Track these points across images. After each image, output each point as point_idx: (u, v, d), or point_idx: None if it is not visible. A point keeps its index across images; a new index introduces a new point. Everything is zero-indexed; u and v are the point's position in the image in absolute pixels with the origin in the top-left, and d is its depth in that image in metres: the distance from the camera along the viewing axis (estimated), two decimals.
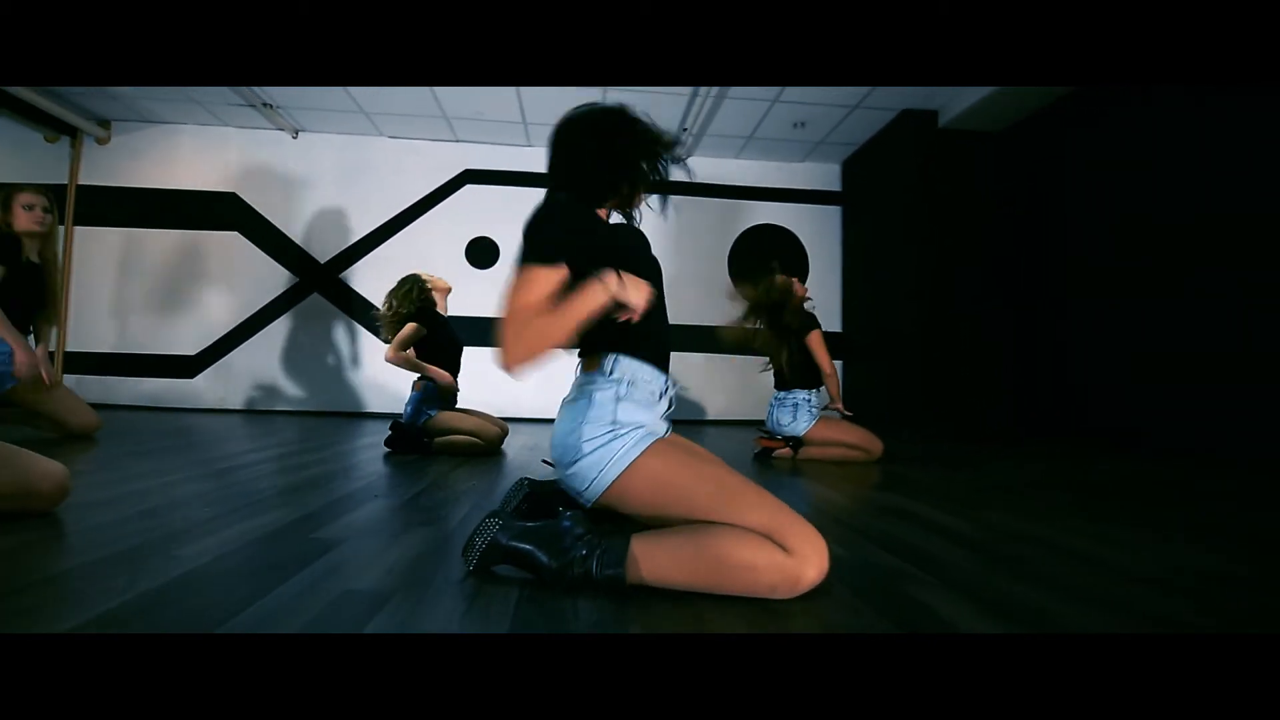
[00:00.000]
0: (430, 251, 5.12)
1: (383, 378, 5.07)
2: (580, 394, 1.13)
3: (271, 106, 4.68)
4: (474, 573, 1.05)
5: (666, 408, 1.20)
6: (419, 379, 2.84)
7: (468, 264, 5.24)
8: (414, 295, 2.87)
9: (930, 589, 1.05)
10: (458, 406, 2.93)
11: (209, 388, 5.01)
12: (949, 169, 4.50)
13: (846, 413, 2.92)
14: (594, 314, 1.04)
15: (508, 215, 5.19)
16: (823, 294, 5.28)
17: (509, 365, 1.00)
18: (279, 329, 5.09)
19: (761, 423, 2.98)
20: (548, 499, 1.22)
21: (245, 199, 5.11)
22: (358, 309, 5.15)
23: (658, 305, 1.19)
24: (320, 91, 4.48)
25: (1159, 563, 1.25)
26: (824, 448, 2.79)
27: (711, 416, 5.36)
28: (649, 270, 1.19)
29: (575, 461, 1.09)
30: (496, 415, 3.03)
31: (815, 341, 2.82)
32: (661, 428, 1.17)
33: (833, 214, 5.61)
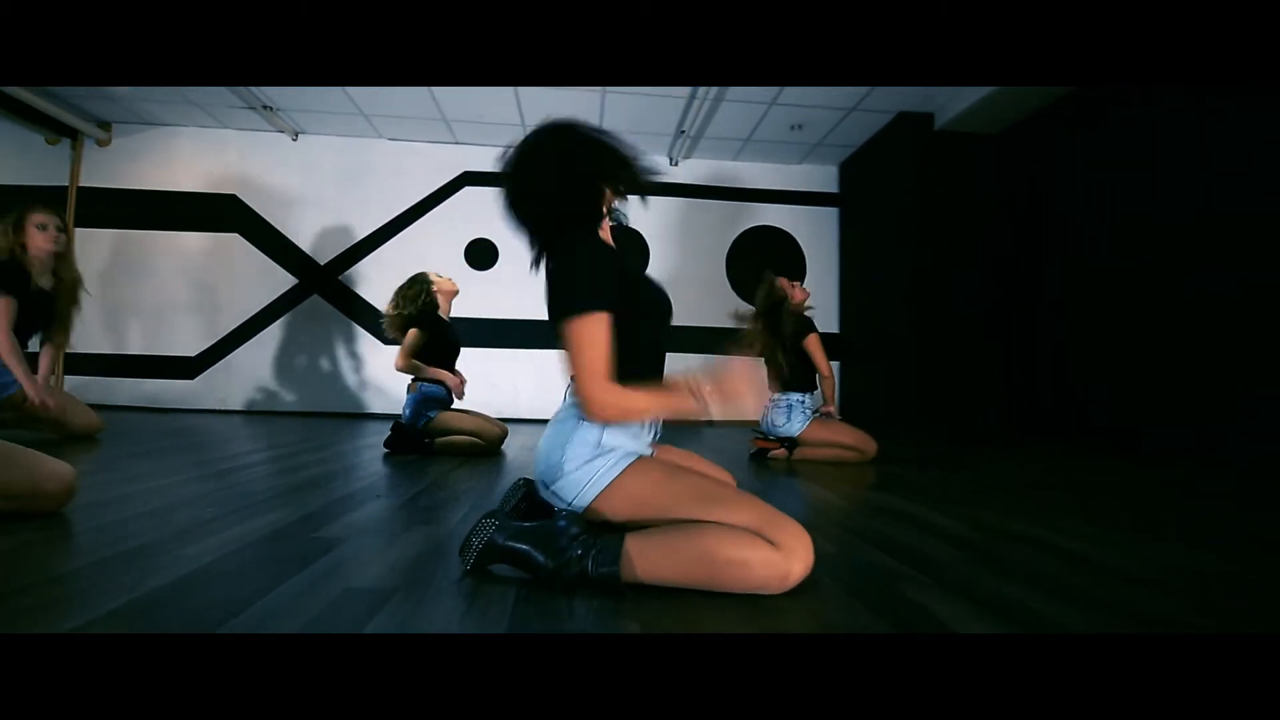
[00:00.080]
0: (430, 253, 5.14)
1: (382, 379, 5.09)
2: (568, 415, 1.15)
3: (271, 109, 4.69)
4: (471, 572, 1.07)
5: (652, 436, 1.21)
6: (414, 380, 2.86)
7: (467, 265, 5.26)
8: (418, 298, 2.88)
9: (924, 589, 1.06)
10: (456, 407, 2.95)
11: (209, 389, 5.03)
12: (946, 171, 4.52)
13: (835, 415, 2.97)
14: (679, 415, 1.09)
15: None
16: (820, 295, 5.29)
17: (596, 418, 1.06)
18: (279, 330, 5.11)
19: (757, 424, 3.01)
20: (545, 499, 1.24)
21: (245, 201, 5.13)
22: (358, 310, 5.17)
23: (657, 338, 1.21)
24: (319, 94, 4.50)
25: (1156, 563, 1.25)
26: (819, 448, 2.81)
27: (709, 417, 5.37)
28: (665, 307, 1.24)
29: (555, 480, 1.12)
30: (495, 416, 3.05)
31: (813, 344, 2.85)
32: (645, 449, 1.19)
33: (830, 215, 5.64)
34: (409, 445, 2.74)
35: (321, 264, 5.17)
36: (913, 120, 4.53)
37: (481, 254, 5.30)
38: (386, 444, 2.77)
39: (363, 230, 5.22)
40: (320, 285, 5.16)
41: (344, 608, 0.91)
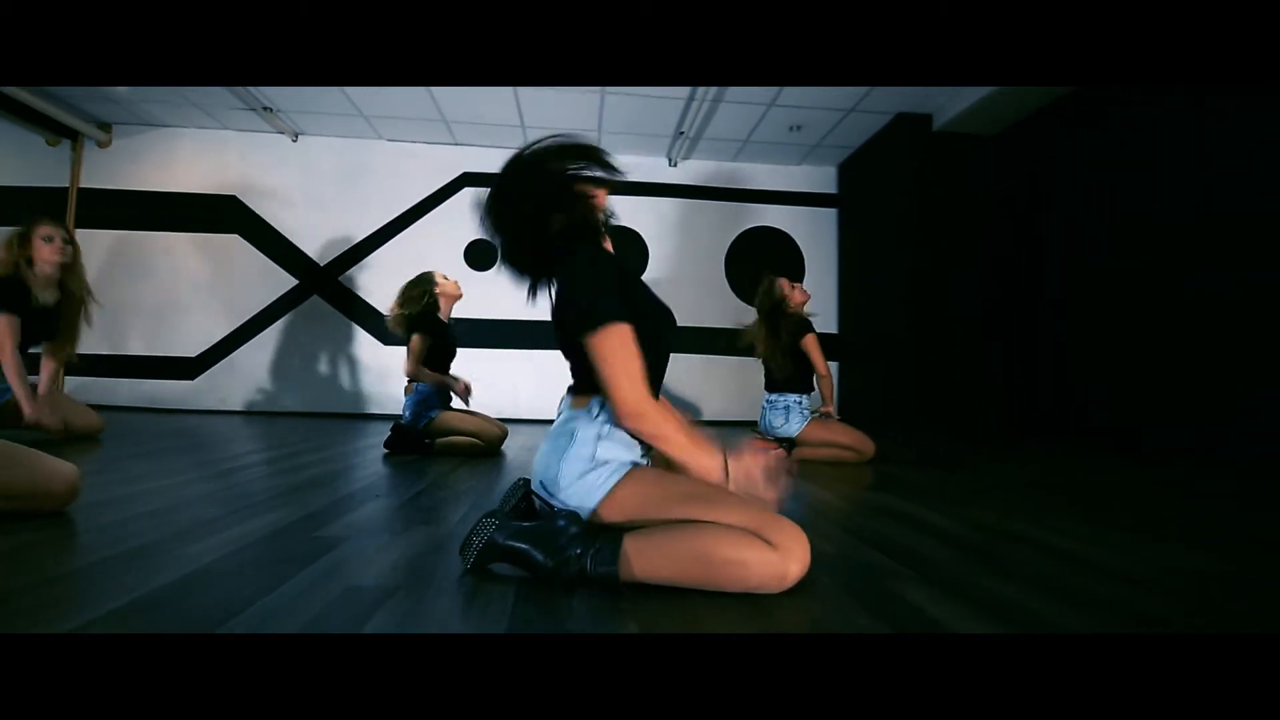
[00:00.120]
0: (429, 254, 5.15)
1: (382, 379, 5.10)
2: (563, 430, 1.16)
3: (271, 110, 4.70)
4: (471, 571, 1.08)
5: (645, 450, 1.21)
6: (410, 381, 2.88)
7: (467, 266, 5.27)
8: (421, 298, 2.90)
9: (922, 588, 1.07)
10: (457, 407, 2.96)
11: (209, 389, 5.04)
12: (944, 172, 4.53)
13: (833, 415, 2.97)
14: (694, 465, 1.09)
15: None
16: (819, 296, 5.31)
17: (630, 423, 1.07)
18: (279, 331, 5.12)
19: (756, 424, 3.02)
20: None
21: (245, 202, 5.14)
22: (357, 311, 5.18)
23: (661, 350, 1.21)
24: (319, 95, 4.51)
25: (1155, 563, 1.25)
26: (817, 449, 2.82)
27: (707, 417, 5.39)
28: (670, 320, 1.25)
29: (554, 495, 1.13)
30: (495, 416, 3.06)
31: (811, 344, 2.86)
32: (640, 458, 1.19)
33: (829, 216, 5.65)
34: (409, 446, 2.75)
35: (321, 265, 5.18)
36: (911, 121, 4.55)
37: (481, 255, 5.31)
38: (386, 444, 2.78)
39: (362, 231, 5.23)
40: (320, 286, 5.17)
41: (345, 606, 0.92)
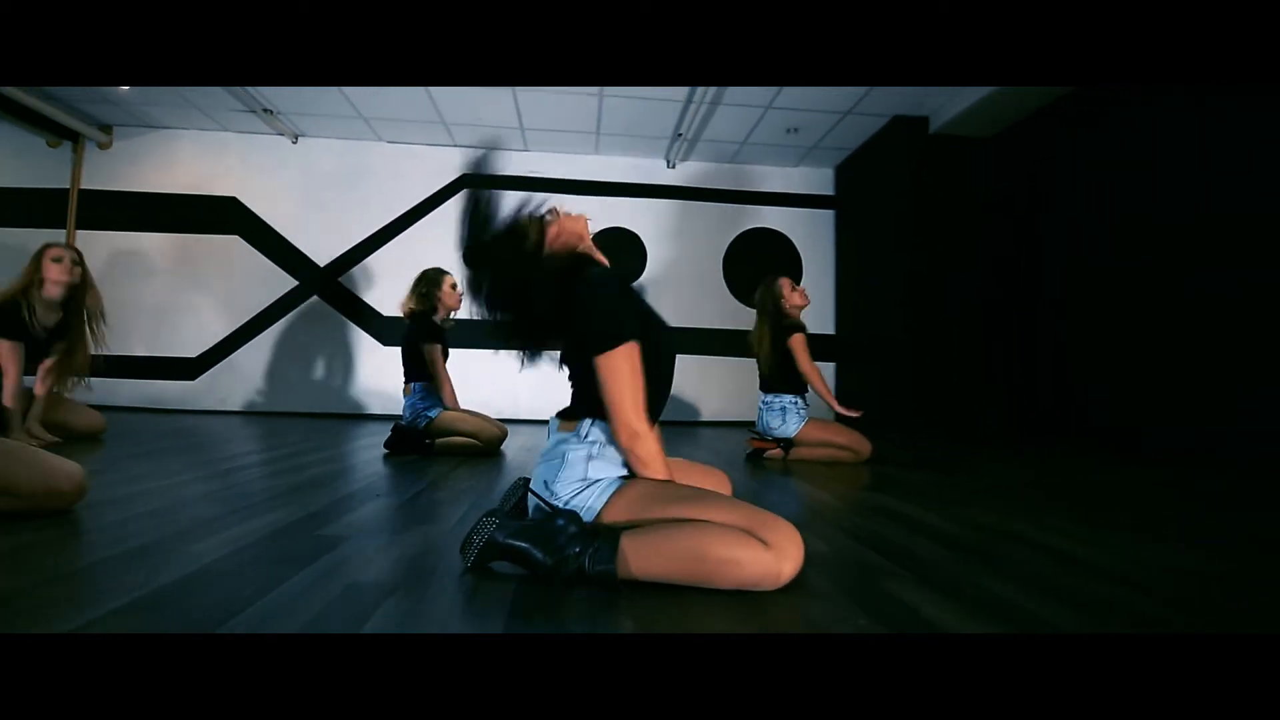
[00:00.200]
0: (429, 255, 5.14)
1: (381, 380, 5.11)
2: (554, 452, 1.19)
3: (271, 112, 4.72)
4: (471, 569, 1.10)
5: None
6: (407, 383, 2.91)
7: (466, 267, 5.28)
8: (426, 298, 2.93)
9: (917, 588, 1.07)
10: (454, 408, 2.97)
11: (210, 390, 5.05)
12: (941, 174, 4.55)
13: (851, 413, 2.89)
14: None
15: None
16: (816, 297, 5.33)
17: (624, 442, 1.13)
18: (279, 332, 5.14)
19: (754, 424, 3.03)
20: None
21: (245, 203, 5.15)
22: (357, 312, 5.20)
23: (660, 375, 1.23)
24: (319, 97, 4.52)
25: (1154, 563, 1.25)
26: (814, 448, 2.84)
27: (706, 418, 5.41)
28: (670, 334, 1.28)
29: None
30: (494, 417, 3.07)
31: (796, 344, 2.84)
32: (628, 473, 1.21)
33: (826, 218, 5.67)
34: (409, 446, 2.77)
35: (321, 266, 5.19)
36: (908, 124, 4.57)
37: None
38: (387, 444, 2.80)
39: (362, 232, 5.25)
40: (320, 287, 5.18)
41: (346, 605, 0.93)
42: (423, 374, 2.89)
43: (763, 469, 2.65)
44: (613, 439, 1.16)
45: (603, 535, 1.04)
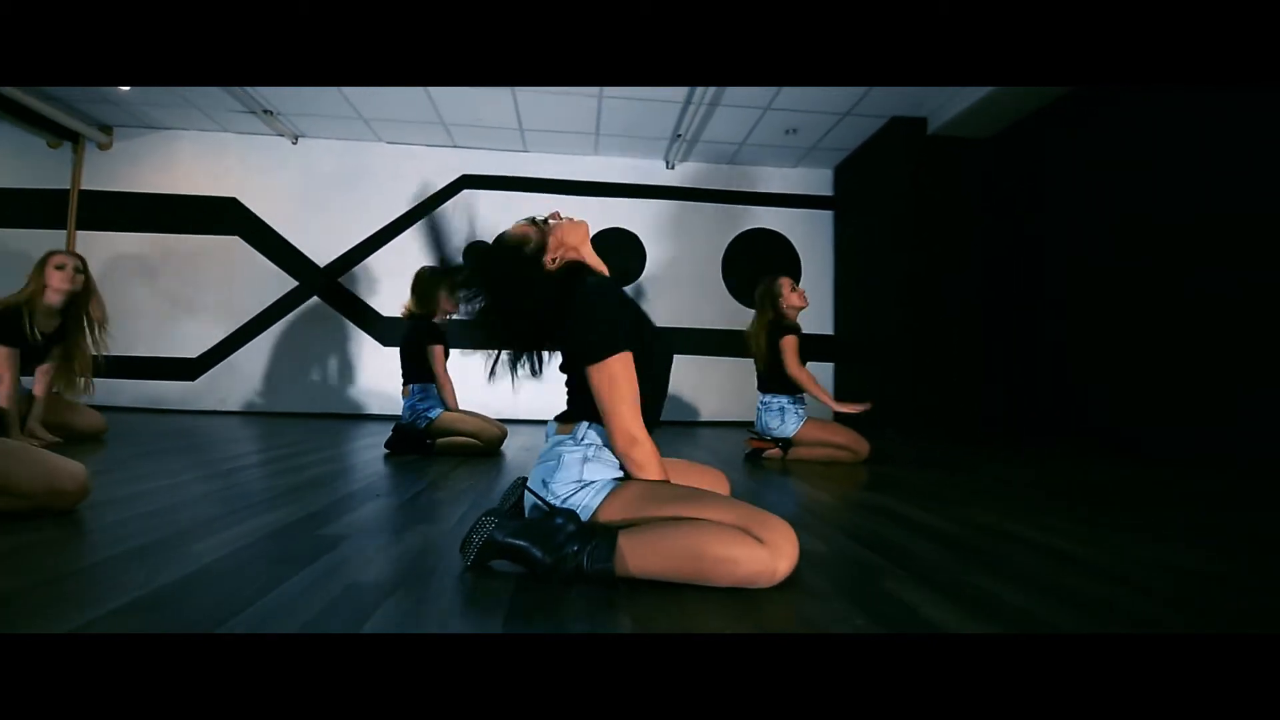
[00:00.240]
0: (428, 256, 5.17)
1: (381, 380, 5.12)
2: (550, 454, 1.20)
3: (271, 113, 4.73)
4: (471, 568, 1.10)
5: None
6: (406, 384, 2.92)
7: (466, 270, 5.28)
8: (428, 302, 2.93)
9: (916, 588, 1.07)
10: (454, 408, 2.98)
11: (210, 390, 5.06)
12: (939, 175, 4.56)
13: (853, 408, 2.79)
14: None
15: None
16: (815, 297, 5.33)
17: (621, 447, 1.14)
18: (279, 332, 5.14)
19: (753, 424, 3.03)
20: None
21: (245, 204, 5.16)
22: (357, 312, 5.20)
23: (655, 383, 1.25)
24: (318, 98, 4.53)
25: (1154, 563, 1.25)
26: (812, 448, 2.84)
27: (705, 418, 5.41)
28: (667, 340, 1.29)
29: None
30: (494, 417, 3.08)
31: (787, 346, 2.83)
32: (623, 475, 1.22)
33: (825, 218, 5.68)
34: (409, 446, 2.77)
35: (321, 266, 5.20)
36: (906, 125, 4.58)
37: None
38: (387, 444, 2.81)
39: (362, 233, 5.25)
40: (320, 287, 5.19)
41: (347, 603, 0.94)
42: (421, 375, 2.90)
43: (761, 469, 2.65)
44: (609, 443, 1.17)
45: (600, 534, 1.05)
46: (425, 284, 2.95)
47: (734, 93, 4.27)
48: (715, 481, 1.43)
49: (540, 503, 1.15)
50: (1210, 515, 1.78)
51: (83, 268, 2.66)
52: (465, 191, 5.37)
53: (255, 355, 5.10)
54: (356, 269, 5.23)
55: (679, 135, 4.91)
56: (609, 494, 1.13)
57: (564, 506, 1.13)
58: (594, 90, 4.28)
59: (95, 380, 2.77)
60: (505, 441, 3.05)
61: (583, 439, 1.19)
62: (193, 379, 5.06)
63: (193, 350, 5.07)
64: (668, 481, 1.17)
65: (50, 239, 4.84)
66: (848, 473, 2.54)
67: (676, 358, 5.29)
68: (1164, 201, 3.33)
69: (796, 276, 5.57)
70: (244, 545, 1.23)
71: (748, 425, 3.80)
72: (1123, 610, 0.99)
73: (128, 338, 4.97)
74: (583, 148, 5.29)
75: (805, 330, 2.98)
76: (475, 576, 1.08)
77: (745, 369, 4.39)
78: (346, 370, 5.18)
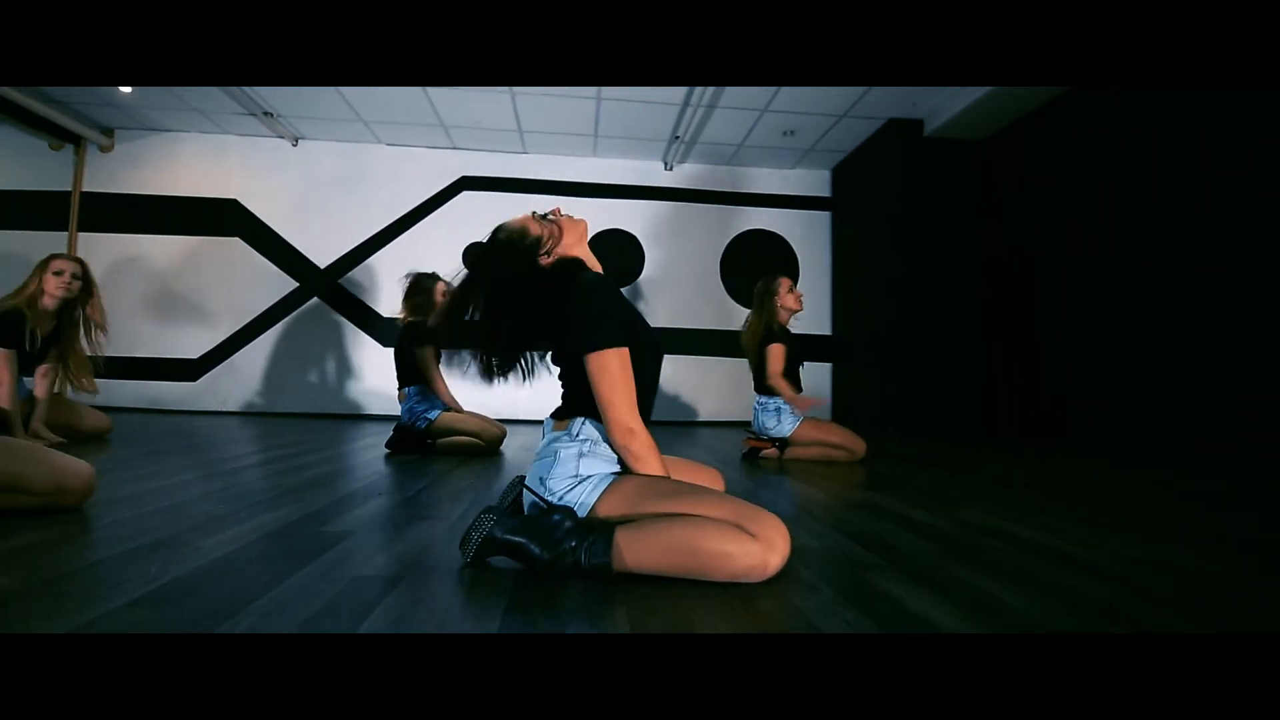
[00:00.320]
0: (428, 257, 5.17)
1: (381, 381, 5.13)
2: (547, 451, 1.21)
3: (271, 115, 4.74)
4: (471, 564, 1.11)
5: (624, 466, 1.23)
6: (401, 388, 2.95)
7: (465, 268, 5.29)
8: (422, 307, 2.94)
9: (911, 586, 1.08)
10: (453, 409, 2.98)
11: (211, 391, 5.07)
12: (936, 176, 4.58)
13: (815, 403, 2.84)
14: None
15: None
16: (813, 297, 5.35)
17: (619, 440, 1.15)
18: (279, 333, 5.16)
19: (750, 424, 3.04)
20: None
21: (246, 205, 5.17)
22: (357, 313, 5.21)
23: (645, 384, 1.24)
24: (318, 100, 4.54)
25: (1152, 564, 1.25)
26: (809, 448, 2.86)
27: (703, 418, 5.42)
28: (657, 351, 1.30)
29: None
30: (494, 417, 3.08)
31: (771, 353, 2.86)
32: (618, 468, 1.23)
33: (822, 219, 5.69)
34: (410, 445, 2.78)
35: (322, 268, 5.21)
36: (902, 126, 4.60)
37: None
38: (389, 444, 2.82)
39: (362, 234, 5.27)
40: (320, 288, 5.20)
41: (351, 597, 0.96)
42: (416, 378, 2.92)
43: (758, 468, 2.66)
44: (605, 437, 1.19)
45: (598, 529, 1.06)
46: (418, 290, 2.95)
47: (732, 94, 4.28)
48: (710, 479, 1.45)
49: (538, 500, 1.16)
50: (1210, 515, 1.77)
51: (81, 274, 2.67)
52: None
53: (256, 356, 5.12)
54: (357, 270, 5.25)
55: (677, 137, 4.93)
56: (606, 489, 1.14)
57: (561, 503, 1.14)
58: (592, 91, 4.29)
59: (99, 381, 2.77)
60: (505, 441, 3.06)
61: (578, 434, 1.20)
62: (194, 380, 5.07)
63: (194, 351, 5.08)
64: (663, 476, 1.19)
65: (52, 241, 4.86)
66: (845, 472, 2.55)
67: (675, 358, 5.30)
68: (1163, 201, 3.33)
69: (795, 277, 5.58)
70: (249, 542, 1.25)
71: (745, 425, 3.81)
72: (1123, 610, 0.98)
73: (129, 339, 4.98)
74: (581, 149, 5.31)
75: (804, 331, 2.99)
76: (475, 572, 1.09)
77: (743, 369, 4.39)
78: (347, 371, 5.19)
